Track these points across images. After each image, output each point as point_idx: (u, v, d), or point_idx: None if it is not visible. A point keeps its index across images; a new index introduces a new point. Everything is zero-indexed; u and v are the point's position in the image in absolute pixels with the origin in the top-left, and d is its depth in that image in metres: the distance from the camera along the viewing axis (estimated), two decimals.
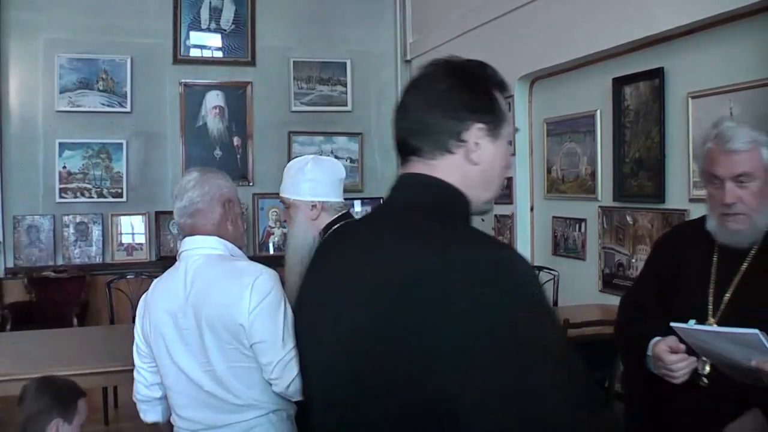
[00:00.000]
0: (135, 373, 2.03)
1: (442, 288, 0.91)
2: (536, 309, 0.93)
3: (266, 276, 1.81)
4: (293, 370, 1.72)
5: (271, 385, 1.80)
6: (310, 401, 1.18)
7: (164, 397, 1.99)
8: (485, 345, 0.87)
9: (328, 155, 7.19)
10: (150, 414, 2.05)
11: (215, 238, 1.90)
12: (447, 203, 1.08)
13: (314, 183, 2.24)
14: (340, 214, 2.27)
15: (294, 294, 1.37)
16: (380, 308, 0.96)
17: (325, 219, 2.25)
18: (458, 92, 1.12)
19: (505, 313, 0.89)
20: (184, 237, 1.95)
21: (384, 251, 1.01)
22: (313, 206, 2.24)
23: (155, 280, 1.99)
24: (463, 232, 1.01)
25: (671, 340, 1.71)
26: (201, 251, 1.88)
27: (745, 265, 1.79)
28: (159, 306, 1.89)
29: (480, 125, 1.11)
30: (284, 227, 6.34)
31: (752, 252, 1.80)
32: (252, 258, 2.04)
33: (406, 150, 1.12)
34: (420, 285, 0.92)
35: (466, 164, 1.10)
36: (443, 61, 1.22)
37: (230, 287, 1.80)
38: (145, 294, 2.00)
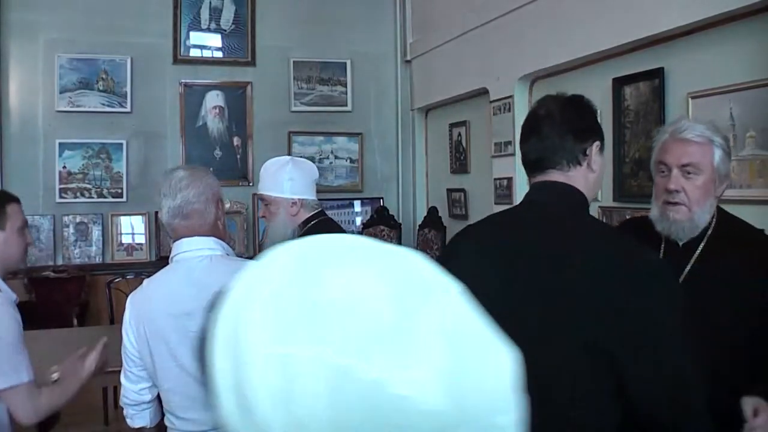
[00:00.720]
0: (122, 378, 1.98)
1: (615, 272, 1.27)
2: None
3: None
4: None
5: None
6: None
7: (153, 401, 1.99)
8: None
9: (328, 155, 7.21)
10: (137, 419, 2.01)
11: (212, 239, 1.90)
12: (579, 204, 1.47)
13: (294, 182, 2.45)
14: (316, 211, 2.51)
15: None
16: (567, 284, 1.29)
17: (303, 215, 2.47)
18: (580, 120, 1.52)
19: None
20: (176, 239, 1.90)
21: (574, 249, 1.34)
22: (293, 203, 2.46)
23: (145, 284, 1.93)
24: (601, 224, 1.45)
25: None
26: (201, 253, 1.86)
27: (690, 262, 1.80)
28: (160, 309, 1.84)
29: (597, 142, 1.52)
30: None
31: (698, 251, 1.80)
32: (252, 258, 2.04)
33: (544, 165, 1.51)
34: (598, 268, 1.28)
35: (588, 172, 1.50)
36: (561, 98, 1.62)
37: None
38: (130, 297, 1.92)
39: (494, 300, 1.22)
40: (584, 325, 1.25)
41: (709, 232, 1.79)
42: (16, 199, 2.32)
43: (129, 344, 1.92)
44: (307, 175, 2.51)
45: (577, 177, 1.48)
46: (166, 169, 6.56)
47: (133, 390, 1.96)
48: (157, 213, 6.93)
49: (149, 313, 1.87)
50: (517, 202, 6.26)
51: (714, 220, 1.81)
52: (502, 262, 1.41)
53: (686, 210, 1.77)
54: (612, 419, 1.27)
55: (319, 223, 2.45)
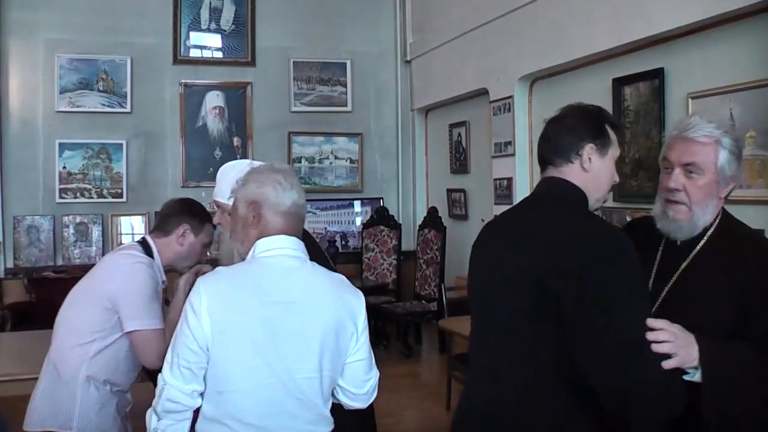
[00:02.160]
0: (168, 375, 1.68)
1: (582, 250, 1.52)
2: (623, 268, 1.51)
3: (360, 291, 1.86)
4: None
5: (349, 400, 1.83)
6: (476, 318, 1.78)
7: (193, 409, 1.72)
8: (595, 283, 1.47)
9: (328, 155, 7.21)
10: (173, 429, 1.69)
11: (302, 243, 1.81)
12: (571, 195, 1.67)
13: None
14: None
15: None
16: (548, 255, 1.54)
17: None
18: (580, 123, 1.68)
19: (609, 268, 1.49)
20: (266, 234, 1.75)
21: (546, 224, 1.61)
22: None
23: (226, 271, 1.73)
24: (583, 215, 1.66)
25: None
26: (294, 253, 1.75)
27: (686, 261, 1.77)
28: (247, 305, 1.66)
29: (591, 144, 1.66)
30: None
31: (696, 249, 1.77)
32: None
33: (545, 162, 1.71)
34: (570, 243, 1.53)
35: (582, 172, 1.66)
36: (575, 105, 1.74)
37: (347, 297, 1.77)
38: (207, 284, 1.69)
39: (494, 263, 1.68)
40: (546, 278, 1.52)
41: (710, 232, 1.76)
42: (210, 220, 2.53)
43: (198, 333, 1.64)
44: None
45: (570, 174, 1.67)
46: (166, 169, 6.63)
47: (183, 391, 1.66)
48: (156, 213, 6.87)
49: (234, 306, 1.66)
50: (517, 201, 6.25)
51: (717, 221, 1.77)
52: (506, 236, 1.71)
53: (686, 209, 1.74)
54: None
55: None
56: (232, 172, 2.26)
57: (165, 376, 1.68)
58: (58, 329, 2.36)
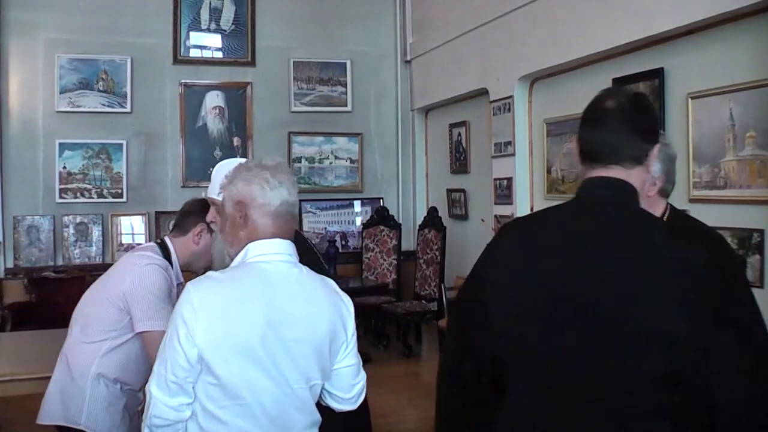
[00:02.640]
0: (154, 388, 1.58)
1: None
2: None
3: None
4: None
5: (337, 404, 1.81)
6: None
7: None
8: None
9: (328, 155, 7.21)
10: None
11: (294, 246, 1.73)
12: (634, 200, 1.45)
13: None
14: None
15: None
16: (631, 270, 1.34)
17: None
18: (648, 120, 1.50)
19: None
20: (258, 238, 1.67)
21: (616, 232, 1.39)
22: None
23: (221, 278, 1.63)
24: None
25: None
26: (290, 259, 1.68)
27: None
28: (250, 319, 1.57)
29: (657, 145, 1.49)
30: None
31: None
32: None
33: (608, 159, 1.45)
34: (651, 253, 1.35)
35: (645, 173, 1.48)
36: (629, 93, 1.56)
37: (339, 304, 1.73)
38: (199, 291, 1.58)
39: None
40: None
41: None
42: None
43: (190, 348, 1.54)
44: None
45: (635, 176, 1.45)
46: (166, 169, 6.63)
47: (169, 405, 1.57)
48: (156, 213, 6.99)
49: (235, 316, 1.57)
50: (517, 202, 6.16)
51: (664, 217, 1.89)
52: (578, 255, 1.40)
53: None
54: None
55: None
56: (225, 169, 2.24)
57: (152, 389, 1.58)
58: (73, 326, 2.39)
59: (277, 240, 1.67)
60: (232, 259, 1.72)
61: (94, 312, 2.32)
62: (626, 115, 1.46)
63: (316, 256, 2.45)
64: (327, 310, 1.69)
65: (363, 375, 1.83)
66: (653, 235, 1.39)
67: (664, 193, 1.92)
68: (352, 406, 1.84)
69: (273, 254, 1.66)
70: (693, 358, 1.29)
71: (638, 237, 1.38)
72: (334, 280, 1.85)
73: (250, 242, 1.67)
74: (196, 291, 1.59)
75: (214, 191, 2.29)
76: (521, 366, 1.43)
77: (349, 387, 1.79)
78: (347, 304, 1.76)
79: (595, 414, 1.32)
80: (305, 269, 1.72)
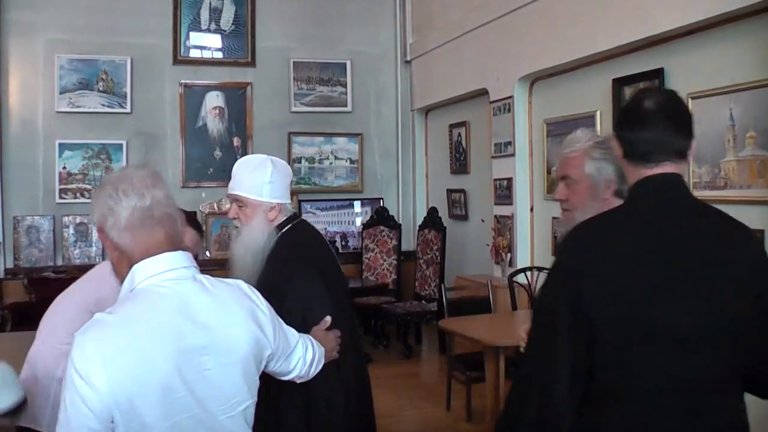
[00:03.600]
0: None
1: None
2: None
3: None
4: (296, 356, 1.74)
5: (297, 377, 1.77)
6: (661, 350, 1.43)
7: None
8: None
9: (328, 156, 7.21)
10: None
11: (186, 254, 1.50)
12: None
13: (275, 185, 2.29)
14: (290, 214, 2.37)
15: None
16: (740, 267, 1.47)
17: (279, 219, 2.32)
18: (688, 119, 1.55)
19: None
20: (139, 256, 1.43)
21: (709, 226, 1.52)
22: (272, 208, 2.30)
23: (113, 321, 1.37)
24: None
25: None
26: (187, 272, 1.47)
27: None
28: (157, 356, 1.36)
29: (693, 140, 1.56)
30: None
31: None
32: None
33: (659, 157, 1.52)
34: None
35: (686, 166, 1.57)
36: (667, 93, 1.63)
37: (250, 306, 1.55)
38: (89, 348, 1.33)
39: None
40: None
41: None
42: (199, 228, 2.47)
43: (97, 407, 1.32)
44: (286, 177, 2.35)
45: (683, 168, 1.56)
46: (166, 169, 6.62)
47: None
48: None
49: (144, 360, 1.35)
50: (517, 203, 6.13)
51: None
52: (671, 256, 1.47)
53: (571, 215, 1.98)
54: None
55: (293, 228, 2.32)
56: (249, 166, 2.31)
57: None
58: (42, 328, 2.41)
59: (163, 255, 1.43)
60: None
61: (61, 315, 2.34)
62: (668, 113, 1.53)
63: (333, 256, 2.50)
64: (243, 322, 1.50)
65: (298, 354, 1.72)
66: (720, 217, 1.55)
67: (620, 194, 1.96)
68: (305, 378, 1.79)
69: (162, 273, 1.43)
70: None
71: (712, 219, 1.53)
72: None
73: (130, 266, 1.44)
74: (90, 339, 1.34)
75: (238, 187, 2.30)
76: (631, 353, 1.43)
77: (287, 373, 1.73)
78: (255, 298, 1.57)
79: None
80: (206, 279, 1.50)
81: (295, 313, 2.03)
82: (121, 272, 1.48)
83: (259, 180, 2.27)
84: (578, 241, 1.56)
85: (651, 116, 1.53)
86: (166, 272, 1.43)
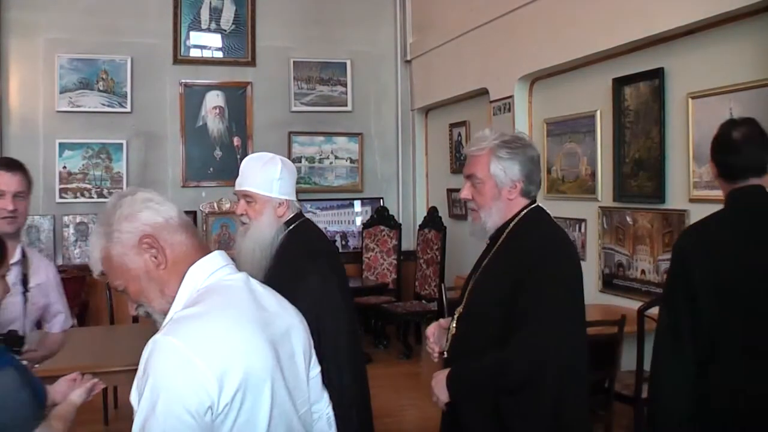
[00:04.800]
0: None
1: None
2: None
3: None
4: None
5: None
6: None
7: None
8: None
9: (328, 155, 7.21)
10: None
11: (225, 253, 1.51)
12: None
13: (284, 182, 2.35)
14: (297, 211, 2.43)
15: None
16: None
17: (287, 216, 2.38)
18: (766, 142, 2.00)
19: None
20: (188, 257, 1.39)
21: None
22: (281, 204, 2.35)
23: (189, 321, 1.28)
24: None
25: (444, 320, 2.18)
26: (234, 268, 1.46)
27: (490, 254, 2.05)
28: (257, 346, 1.31)
29: None
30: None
31: (495, 247, 2.04)
32: None
33: (747, 174, 1.97)
34: None
35: (766, 177, 2.00)
36: (749, 122, 2.02)
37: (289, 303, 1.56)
38: (177, 346, 1.23)
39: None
40: None
41: (508, 230, 2.01)
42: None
43: (199, 415, 1.21)
44: (293, 175, 2.42)
45: (765, 181, 1.99)
46: (166, 169, 6.61)
47: None
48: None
49: (242, 348, 1.28)
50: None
51: (517, 219, 2.01)
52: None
53: (477, 214, 2.02)
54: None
55: (300, 225, 2.38)
56: (259, 163, 2.37)
57: None
58: None
59: (213, 254, 1.42)
60: (163, 315, 1.38)
61: None
62: (753, 141, 1.98)
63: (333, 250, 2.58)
64: (295, 314, 1.52)
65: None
66: None
67: (527, 194, 2.03)
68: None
69: (220, 269, 1.41)
70: None
71: None
72: None
73: (183, 270, 1.37)
74: (179, 340, 1.24)
75: (247, 183, 2.34)
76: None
77: (320, 395, 1.61)
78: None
79: None
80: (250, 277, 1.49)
81: (309, 313, 2.03)
82: (162, 292, 1.38)
83: (270, 176, 2.33)
84: (685, 239, 2.05)
85: (738, 145, 1.97)
86: (222, 268, 1.41)
